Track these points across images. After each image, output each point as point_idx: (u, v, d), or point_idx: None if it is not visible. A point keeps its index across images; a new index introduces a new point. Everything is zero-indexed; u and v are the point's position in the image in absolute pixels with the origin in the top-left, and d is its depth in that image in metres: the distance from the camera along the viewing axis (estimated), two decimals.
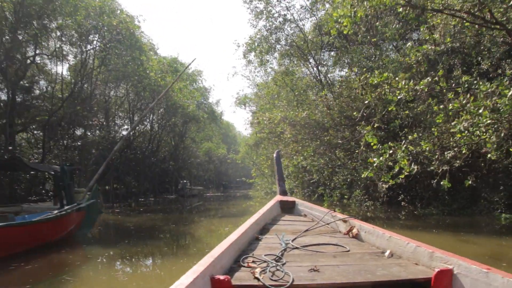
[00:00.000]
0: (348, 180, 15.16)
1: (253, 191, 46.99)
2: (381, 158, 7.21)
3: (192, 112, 32.82)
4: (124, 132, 31.96)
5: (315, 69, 21.53)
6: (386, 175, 7.35)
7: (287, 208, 5.24)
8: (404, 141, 7.42)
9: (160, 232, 12.34)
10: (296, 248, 3.08)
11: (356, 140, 13.98)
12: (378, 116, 10.58)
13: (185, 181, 37.12)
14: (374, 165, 7.31)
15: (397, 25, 13.01)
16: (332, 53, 22.53)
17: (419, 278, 2.31)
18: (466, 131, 7.01)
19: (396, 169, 7.22)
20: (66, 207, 9.86)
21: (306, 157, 15.78)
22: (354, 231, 3.68)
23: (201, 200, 32.91)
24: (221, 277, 2.11)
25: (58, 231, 9.58)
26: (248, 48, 21.28)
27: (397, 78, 8.44)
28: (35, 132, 23.71)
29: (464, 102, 6.86)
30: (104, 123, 29.46)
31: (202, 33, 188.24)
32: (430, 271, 2.37)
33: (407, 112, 11.01)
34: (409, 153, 7.30)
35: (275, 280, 2.18)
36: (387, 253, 2.92)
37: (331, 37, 17.70)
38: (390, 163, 7.41)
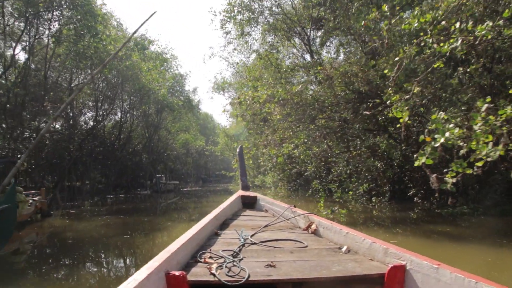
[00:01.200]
0: (348, 172, 12.24)
1: (233, 185, 44.06)
2: (447, 134, 4.31)
3: (163, 97, 29.44)
4: (96, 123, 28.58)
5: (305, 47, 18.57)
6: (458, 162, 4.39)
7: (249, 203, 5.36)
8: (483, 106, 4.49)
9: (105, 248, 9.08)
10: (255, 243, 3.11)
11: (362, 121, 11.12)
12: (419, 76, 7.46)
13: (160, 175, 33.83)
14: (436, 145, 4.39)
15: None
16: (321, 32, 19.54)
17: (373, 274, 2.35)
18: None
19: (474, 150, 4.33)
20: None
21: (297, 144, 12.85)
22: (313, 226, 3.73)
23: (178, 195, 29.86)
24: (177, 273, 2.08)
25: None
26: (227, 16, 18.00)
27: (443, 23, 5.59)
28: None
29: None
30: (70, 113, 26.11)
31: (177, 18, 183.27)
32: (384, 267, 2.41)
33: (462, 69, 7.95)
34: (490, 125, 4.38)
35: (231, 276, 2.16)
36: (344, 249, 2.97)
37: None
38: (459, 142, 4.51)
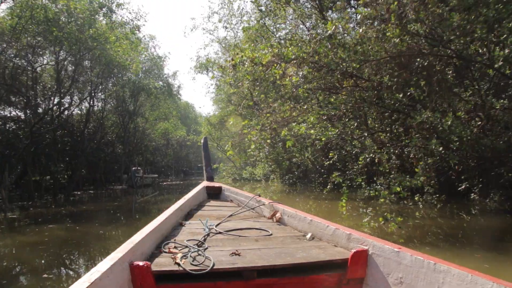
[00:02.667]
0: (390, 159, 8.89)
1: (218, 177, 40.62)
2: None
3: (136, 73, 25.52)
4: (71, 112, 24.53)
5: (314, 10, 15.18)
6: None
7: (214, 193, 5.56)
8: None
9: None
10: (219, 233, 3.15)
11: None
12: None
13: (137, 167, 29.90)
14: None
15: None
16: None
17: (337, 259, 2.42)
18: None
19: None
20: None
21: (313, 122, 9.52)
22: (278, 215, 3.80)
23: (156, 191, 26.38)
24: (141, 263, 2.07)
25: None
26: None
27: None
28: None
29: None
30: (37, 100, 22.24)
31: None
32: (348, 252, 2.49)
33: None
34: None
35: (195, 265, 2.19)
36: (308, 236, 3.04)
37: None
38: None
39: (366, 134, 9.33)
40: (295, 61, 8.17)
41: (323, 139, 8.91)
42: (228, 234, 3.13)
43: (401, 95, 8.16)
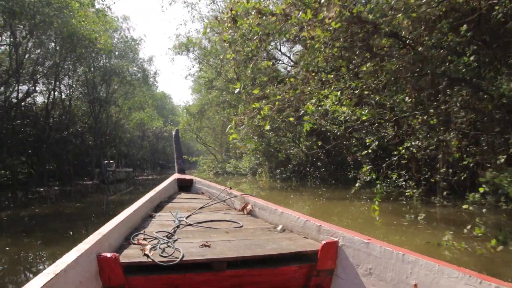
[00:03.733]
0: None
1: (198, 172, 37.95)
2: None
3: (104, 47, 22.52)
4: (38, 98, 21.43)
5: None
6: None
7: (185, 186, 5.56)
8: None
9: None
10: (190, 225, 3.14)
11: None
12: None
13: (109, 161, 27.02)
14: None
15: None
16: None
17: (307, 251, 2.43)
18: None
19: None
20: None
21: (341, 97, 7.19)
22: (249, 207, 3.80)
23: (130, 186, 23.65)
24: (109, 255, 2.02)
25: None
26: None
27: None
28: None
29: None
30: None
31: None
32: (318, 244, 2.50)
33: None
34: None
35: (165, 257, 2.16)
36: (279, 228, 3.06)
37: None
38: None
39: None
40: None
41: (364, 118, 6.58)
42: (198, 226, 3.11)
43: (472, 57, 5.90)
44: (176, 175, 5.69)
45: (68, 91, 26.48)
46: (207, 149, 38.42)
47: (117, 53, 28.94)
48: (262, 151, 20.55)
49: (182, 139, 56.59)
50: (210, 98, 29.32)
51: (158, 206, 4.05)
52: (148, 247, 2.30)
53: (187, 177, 5.66)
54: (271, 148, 20.11)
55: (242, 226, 3.15)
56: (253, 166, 24.59)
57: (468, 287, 1.67)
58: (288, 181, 18.74)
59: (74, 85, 26.53)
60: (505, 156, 5.84)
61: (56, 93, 24.44)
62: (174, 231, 2.85)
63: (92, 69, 25.25)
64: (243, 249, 2.38)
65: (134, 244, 2.43)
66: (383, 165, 7.76)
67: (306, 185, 16.77)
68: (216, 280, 2.25)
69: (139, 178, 32.42)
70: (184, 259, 2.14)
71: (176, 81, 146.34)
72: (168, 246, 2.35)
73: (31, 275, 5.23)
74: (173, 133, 6.71)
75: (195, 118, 34.19)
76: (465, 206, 5.64)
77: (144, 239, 2.53)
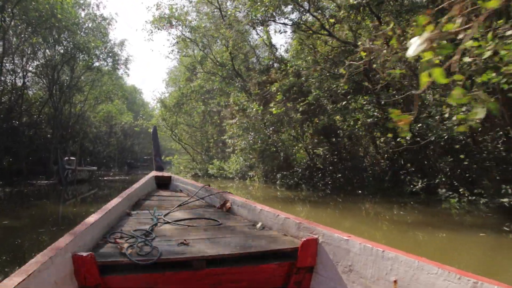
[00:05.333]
0: None
1: (172, 173, 33.79)
2: None
3: (64, 16, 18.32)
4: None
5: None
6: None
7: (163, 183, 5.47)
8: None
9: None
10: (168, 223, 3.09)
11: None
12: None
13: (69, 157, 22.59)
14: None
15: None
16: None
17: (287, 248, 2.43)
18: None
19: None
20: None
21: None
22: (228, 205, 3.77)
23: (93, 188, 19.91)
24: (84, 254, 1.95)
25: None
26: None
27: None
28: None
29: None
30: None
31: None
32: (298, 241, 2.49)
33: None
34: None
35: (142, 255, 2.12)
36: (258, 226, 3.03)
37: None
38: None
39: None
40: None
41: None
42: (176, 224, 3.05)
43: None
44: (154, 173, 5.62)
45: (21, 72, 21.97)
46: (183, 148, 34.36)
47: (82, 33, 24.70)
48: (258, 150, 16.89)
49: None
50: (192, 87, 25.27)
51: (136, 204, 3.96)
52: (126, 245, 2.23)
53: (166, 174, 5.62)
54: (271, 146, 16.47)
55: (221, 224, 3.11)
56: (242, 169, 20.85)
57: (447, 283, 1.67)
58: (294, 189, 15.01)
59: (28, 66, 22.04)
60: None
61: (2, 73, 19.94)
62: (152, 229, 2.76)
63: (51, 41, 20.87)
64: (222, 247, 2.37)
65: (111, 242, 2.36)
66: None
67: (329, 195, 13.09)
68: (195, 278, 2.19)
69: (105, 178, 28.00)
70: (162, 257, 2.10)
71: (149, 75, 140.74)
72: (146, 245, 2.30)
73: None
74: (151, 130, 6.62)
75: (171, 112, 30.16)
76: None
77: (121, 237, 2.47)
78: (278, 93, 11.52)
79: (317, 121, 12.44)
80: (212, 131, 29.74)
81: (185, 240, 2.46)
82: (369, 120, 10.74)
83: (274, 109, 10.76)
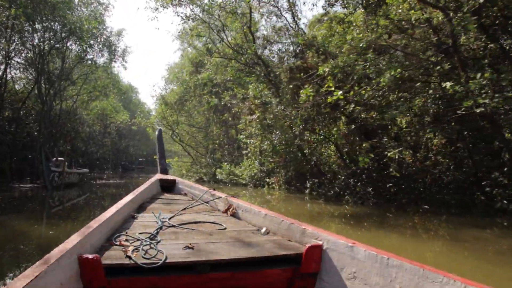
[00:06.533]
0: None
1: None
2: None
3: None
4: None
5: None
6: None
7: (167, 186, 5.42)
8: None
9: None
10: (172, 226, 3.05)
11: None
12: None
13: (57, 158, 19.58)
14: None
15: None
16: None
17: (291, 254, 2.39)
18: None
19: None
20: None
21: None
22: (232, 209, 3.71)
23: (84, 193, 17.03)
24: (90, 256, 1.94)
25: None
26: None
27: None
28: None
29: None
30: None
31: None
32: (302, 247, 2.45)
33: None
34: None
35: (147, 259, 2.10)
36: (263, 230, 2.97)
37: None
38: None
39: None
40: None
41: None
42: (181, 228, 3.03)
43: None
44: (159, 175, 5.56)
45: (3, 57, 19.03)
46: (183, 150, 31.41)
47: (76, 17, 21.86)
48: (282, 153, 14.01)
49: (151, 136, 49.55)
50: (199, 79, 22.31)
51: (141, 207, 3.89)
52: (130, 248, 2.23)
53: (170, 177, 5.58)
54: (296, 149, 13.58)
55: (225, 228, 3.07)
56: (258, 174, 17.91)
57: None
58: (335, 201, 12.02)
59: (11, 52, 19.05)
60: None
61: None
62: (157, 233, 2.75)
63: (37, 24, 17.95)
64: (226, 251, 2.34)
65: (116, 245, 2.34)
66: None
67: (388, 210, 10.13)
68: (199, 282, 2.18)
69: (97, 182, 24.95)
70: (167, 261, 2.09)
71: (152, 65, 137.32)
72: (151, 248, 2.29)
73: None
74: (156, 133, 6.71)
75: (172, 110, 27.24)
76: None
77: (126, 240, 2.45)
78: (328, 78, 8.67)
79: (373, 115, 9.54)
80: (217, 131, 26.75)
81: (190, 244, 2.42)
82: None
83: (334, 94, 7.90)
